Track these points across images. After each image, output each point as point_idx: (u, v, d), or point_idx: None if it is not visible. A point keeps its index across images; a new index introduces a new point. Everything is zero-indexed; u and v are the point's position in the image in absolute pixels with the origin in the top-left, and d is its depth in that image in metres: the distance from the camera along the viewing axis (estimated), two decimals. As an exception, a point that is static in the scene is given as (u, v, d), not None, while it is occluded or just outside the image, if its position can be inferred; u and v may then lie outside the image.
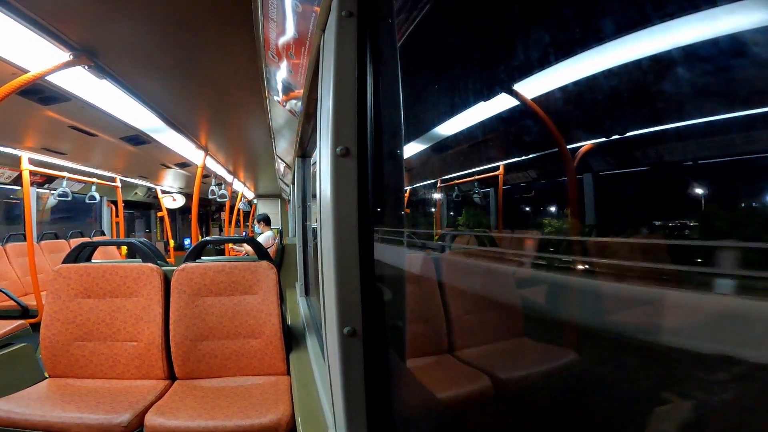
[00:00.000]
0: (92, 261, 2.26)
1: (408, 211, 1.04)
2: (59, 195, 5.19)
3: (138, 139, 3.97)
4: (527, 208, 0.84)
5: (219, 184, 7.39)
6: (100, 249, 4.91)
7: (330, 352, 0.97)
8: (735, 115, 0.37)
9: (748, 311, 0.38)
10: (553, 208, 0.71)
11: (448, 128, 0.92)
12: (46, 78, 2.28)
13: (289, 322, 2.55)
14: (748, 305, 0.38)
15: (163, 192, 8.35)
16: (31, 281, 3.82)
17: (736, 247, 0.38)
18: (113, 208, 7.23)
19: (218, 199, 7.44)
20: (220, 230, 14.21)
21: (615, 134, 0.53)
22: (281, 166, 4.82)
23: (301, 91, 1.61)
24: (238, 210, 10.38)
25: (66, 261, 2.18)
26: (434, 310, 1.07)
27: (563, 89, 0.56)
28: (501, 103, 0.73)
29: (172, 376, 2.05)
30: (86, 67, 2.21)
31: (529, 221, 0.82)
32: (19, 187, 4.75)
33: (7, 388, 1.80)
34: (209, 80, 2.65)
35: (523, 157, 0.78)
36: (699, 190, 0.44)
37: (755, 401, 0.38)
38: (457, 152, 0.95)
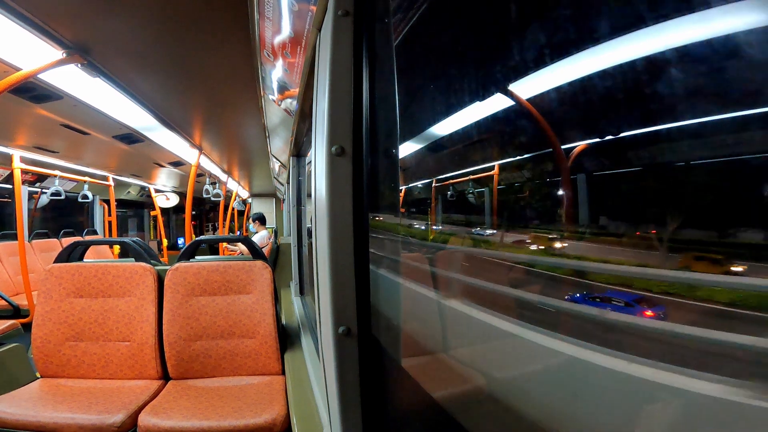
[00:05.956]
0: (84, 260, 2.25)
1: (403, 210, 1.04)
2: (52, 194, 5.15)
3: (131, 137, 3.95)
4: (521, 208, 0.85)
5: (213, 183, 7.37)
6: (92, 248, 4.87)
7: (325, 352, 0.97)
8: (729, 116, 0.38)
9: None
10: (547, 209, 0.72)
11: (444, 128, 0.92)
12: (38, 76, 2.26)
13: (283, 321, 2.55)
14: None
15: (157, 191, 8.31)
16: (23, 281, 3.79)
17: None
18: (106, 207, 7.18)
19: (212, 198, 7.42)
20: (214, 229, 14.14)
21: (609, 134, 0.53)
22: (276, 165, 4.81)
23: (297, 90, 1.60)
24: (233, 209, 10.34)
25: (58, 260, 2.16)
26: (429, 309, 1.07)
27: (558, 89, 0.57)
28: (497, 103, 0.73)
29: (165, 376, 2.03)
30: (79, 65, 2.20)
31: (524, 221, 0.82)
32: (10, 186, 4.70)
33: (-2, 389, 1.78)
34: (204, 78, 2.64)
35: (518, 157, 0.78)
36: (690, 191, 0.45)
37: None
38: (453, 152, 0.95)
